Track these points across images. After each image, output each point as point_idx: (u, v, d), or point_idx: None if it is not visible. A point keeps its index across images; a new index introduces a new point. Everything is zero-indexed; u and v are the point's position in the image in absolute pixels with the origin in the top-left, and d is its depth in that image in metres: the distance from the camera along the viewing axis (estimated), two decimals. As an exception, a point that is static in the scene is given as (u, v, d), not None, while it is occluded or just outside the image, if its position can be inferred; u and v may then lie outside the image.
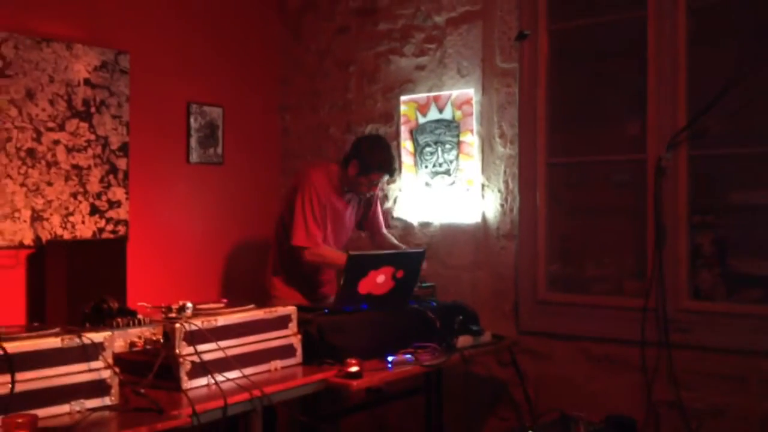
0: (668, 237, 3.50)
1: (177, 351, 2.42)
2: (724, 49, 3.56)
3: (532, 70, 3.91)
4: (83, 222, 3.84)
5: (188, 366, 2.44)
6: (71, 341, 2.19)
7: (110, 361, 2.25)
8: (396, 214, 4.34)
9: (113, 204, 3.96)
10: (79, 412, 2.17)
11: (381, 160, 3.67)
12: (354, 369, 2.75)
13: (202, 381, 2.48)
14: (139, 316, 2.45)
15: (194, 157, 4.40)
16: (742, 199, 3.52)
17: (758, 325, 3.26)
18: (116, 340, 2.31)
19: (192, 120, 4.38)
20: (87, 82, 3.86)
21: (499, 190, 3.98)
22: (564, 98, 3.96)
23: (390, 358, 2.97)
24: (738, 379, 3.30)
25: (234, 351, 2.60)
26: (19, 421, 1.93)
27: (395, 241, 3.98)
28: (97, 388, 2.23)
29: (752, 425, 3.27)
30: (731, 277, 3.47)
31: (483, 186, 4.03)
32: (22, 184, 3.63)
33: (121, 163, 4.01)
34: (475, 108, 4.06)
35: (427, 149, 4.23)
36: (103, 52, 3.92)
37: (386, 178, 3.84)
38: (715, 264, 3.49)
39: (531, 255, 3.91)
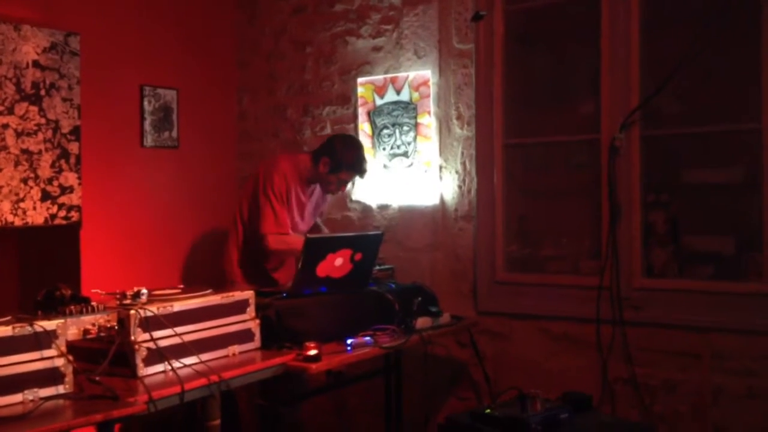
0: (622, 216, 3.55)
1: (132, 338, 2.39)
2: (677, 30, 3.61)
3: (489, 51, 3.92)
4: (34, 208, 3.75)
5: (144, 353, 2.41)
6: (23, 329, 2.15)
7: (63, 349, 2.22)
8: (354, 196, 4.33)
9: (65, 189, 3.88)
10: (32, 401, 2.14)
11: (352, 160, 3.70)
12: (313, 352, 2.75)
13: (159, 367, 2.46)
14: (93, 303, 2.42)
15: (148, 141, 4.33)
16: (694, 177, 3.59)
17: (709, 301, 3.34)
18: (69, 327, 2.27)
19: (146, 103, 4.30)
20: (36, 64, 3.76)
21: (457, 172, 4.00)
22: (520, 79, 3.99)
23: (349, 341, 2.98)
24: (690, 355, 3.38)
25: (191, 337, 2.58)
26: (-30, 411, 1.90)
27: (324, 228, 4.05)
28: (51, 376, 2.20)
29: (704, 400, 3.35)
30: (683, 254, 3.54)
31: (441, 168, 4.04)
32: (-30, 170, 3.54)
33: (73, 148, 3.92)
34: (432, 89, 4.06)
35: (385, 131, 4.23)
36: (53, 33, 3.82)
37: (356, 179, 3.84)
38: (667, 242, 3.56)
39: (489, 236, 3.94)
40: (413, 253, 4.13)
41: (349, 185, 3.99)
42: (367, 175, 3.87)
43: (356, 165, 3.72)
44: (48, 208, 3.81)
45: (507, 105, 3.93)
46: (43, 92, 3.79)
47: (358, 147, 3.81)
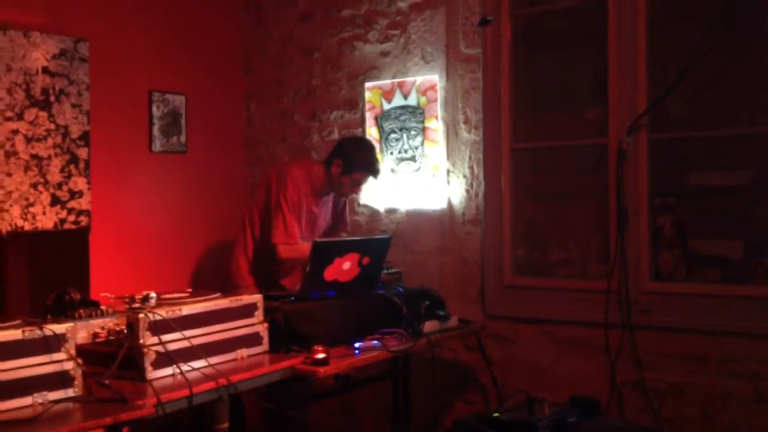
0: (630, 220, 3.55)
1: (141, 341, 2.40)
2: (684, 34, 3.60)
3: (496, 55, 3.93)
4: (44, 213, 3.78)
5: (153, 356, 2.42)
6: (33, 333, 2.16)
7: (73, 352, 2.23)
8: (362, 201, 4.34)
9: (75, 194, 3.91)
10: (41, 404, 2.15)
11: (364, 160, 3.71)
12: (321, 356, 2.75)
13: (168, 371, 2.47)
14: (102, 307, 2.43)
15: (157, 146, 4.35)
16: (702, 181, 3.58)
17: (718, 305, 3.33)
18: (79, 331, 2.29)
19: (154, 108, 4.33)
20: (45, 70, 3.79)
21: (465, 176, 4.00)
22: (527, 83, 3.99)
23: (357, 345, 2.98)
24: (699, 358, 3.37)
25: (199, 340, 2.59)
26: (-20, 414, 1.91)
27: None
28: (60, 379, 2.21)
29: (713, 404, 3.34)
30: (691, 257, 3.53)
31: (448, 172, 4.05)
32: (-19, 175, 3.57)
33: (82, 153, 3.95)
34: (439, 94, 4.07)
35: (393, 136, 4.24)
36: (62, 39, 3.85)
37: (369, 179, 3.84)
38: (675, 245, 3.55)
39: (497, 240, 3.93)
40: (421, 257, 4.13)
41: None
42: (380, 175, 3.87)
43: (369, 164, 3.73)
44: (57, 213, 3.83)
45: (514, 109, 3.93)
46: (52, 98, 3.82)
47: (369, 147, 3.83)
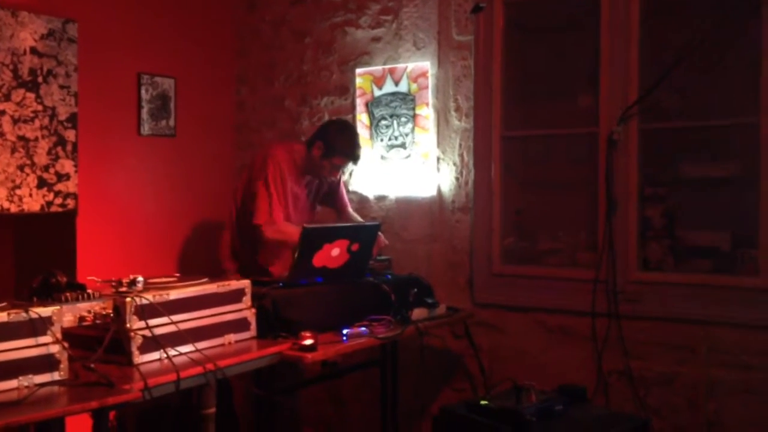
0: (619, 209, 3.55)
1: (128, 325, 2.39)
2: (676, 24, 3.60)
3: (488, 43, 3.91)
4: (31, 195, 3.74)
5: (139, 340, 2.41)
6: (18, 316, 2.15)
7: (59, 335, 2.21)
8: (352, 187, 4.33)
9: (62, 177, 3.87)
10: (27, 387, 2.14)
11: (346, 146, 3.66)
12: (308, 342, 2.75)
13: (155, 355, 2.46)
14: (89, 291, 2.41)
15: (146, 129, 4.31)
16: (692, 171, 3.58)
17: (705, 295, 3.34)
18: (65, 314, 2.27)
19: (143, 91, 4.29)
20: (33, 50, 3.74)
21: (455, 164, 3.99)
22: (519, 72, 3.98)
23: (345, 331, 2.98)
24: (686, 348, 3.39)
25: (187, 325, 2.58)
26: (-36, 397, 1.89)
27: (360, 220, 3.98)
28: (46, 363, 2.20)
29: (699, 393, 3.36)
30: (679, 248, 3.54)
31: (438, 159, 4.04)
32: (-34, 156, 3.53)
33: (70, 135, 3.91)
34: (430, 81, 4.05)
35: (383, 122, 4.22)
36: (50, 20, 3.81)
37: (350, 165, 3.81)
38: (664, 235, 3.56)
39: (486, 228, 3.93)
40: (410, 245, 4.12)
41: (347, 174, 3.98)
42: (361, 162, 3.83)
43: (349, 150, 3.68)
44: (44, 196, 3.80)
45: (505, 97, 3.92)
46: (40, 79, 3.77)
47: (352, 133, 3.79)
